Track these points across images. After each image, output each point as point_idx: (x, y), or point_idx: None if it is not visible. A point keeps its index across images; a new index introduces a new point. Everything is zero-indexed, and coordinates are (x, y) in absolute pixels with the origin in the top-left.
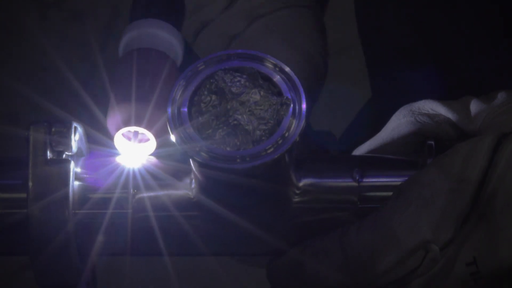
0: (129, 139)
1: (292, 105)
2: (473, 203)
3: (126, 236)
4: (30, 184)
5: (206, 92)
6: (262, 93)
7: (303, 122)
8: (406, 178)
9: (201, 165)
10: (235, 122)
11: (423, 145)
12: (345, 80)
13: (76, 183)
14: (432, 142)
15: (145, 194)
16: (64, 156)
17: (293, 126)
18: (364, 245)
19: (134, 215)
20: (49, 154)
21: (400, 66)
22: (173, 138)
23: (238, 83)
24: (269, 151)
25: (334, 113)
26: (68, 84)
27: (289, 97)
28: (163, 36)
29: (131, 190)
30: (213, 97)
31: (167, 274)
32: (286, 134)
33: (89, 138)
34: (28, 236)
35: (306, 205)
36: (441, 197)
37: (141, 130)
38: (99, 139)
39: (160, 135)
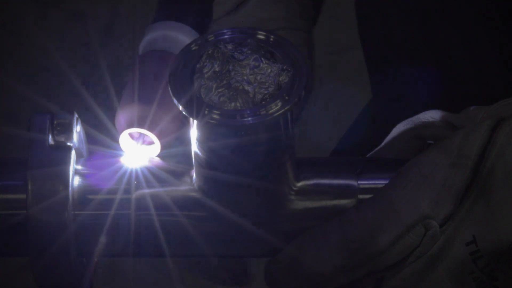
0: (135, 139)
1: (292, 72)
2: (472, 178)
3: (128, 236)
4: (30, 184)
5: (208, 59)
6: (264, 60)
7: (302, 89)
8: None
9: (200, 123)
10: (237, 84)
11: (423, 148)
12: (345, 80)
13: (78, 183)
14: (432, 142)
15: (147, 191)
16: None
17: (293, 92)
18: (363, 222)
19: (135, 214)
20: (50, 141)
21: (400, 66)
22: (175, 102)
23: (240, 51)
24: (268, 111)
25: (334, 113)
26: (70, 84)
27: (290, 66)
28: (179, 38)
29: (133, 190)
30: (215, 63)
31: (169, 275)
32: (286, 98)
33: (92, 139)
34: (27, 237)
35: (304, 205)
36: (440, 172)
37: (144, 131)
38: (102, 140)
39: (164, 137)
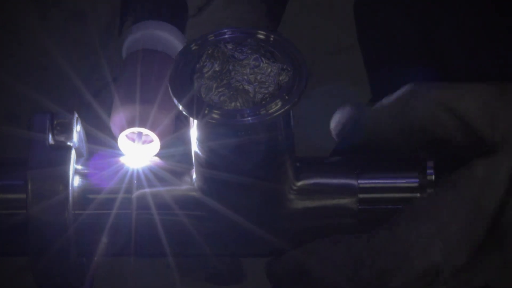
0: (133, 140)
1: (292, 72)
2: (489, 231)
3: (129, 236)
4: (30, 184)
5: (208, 59)
6: (264, 60)
7: (302, 88)
8: (406, 180)
9: (200, 123)
10: (237, 83)
11: (422, 144)
12: (345, 80)
13: (78, 183)
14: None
15: (147, 191)
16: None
17: (293, 91)
18: (374, 262)
19: (136, 214)
20: (50, 141)
21: (400, 66)
22: (176, 102)
23: (240, 50)
24: (268, 111)
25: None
26: (70, 84)
27: (290, 65)
28: (168, 38)
29: (134, 190)
30: (215, 63)
31: (170, 274)
32: (286, 97)
33: (92, 139)
34: (27, 237)
35: (304, 205)
36: (456, 221)
37: (145, 131)
38: (102, 139)
39: (164, 136)
